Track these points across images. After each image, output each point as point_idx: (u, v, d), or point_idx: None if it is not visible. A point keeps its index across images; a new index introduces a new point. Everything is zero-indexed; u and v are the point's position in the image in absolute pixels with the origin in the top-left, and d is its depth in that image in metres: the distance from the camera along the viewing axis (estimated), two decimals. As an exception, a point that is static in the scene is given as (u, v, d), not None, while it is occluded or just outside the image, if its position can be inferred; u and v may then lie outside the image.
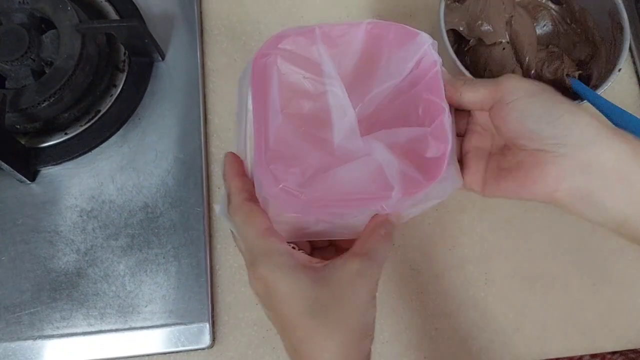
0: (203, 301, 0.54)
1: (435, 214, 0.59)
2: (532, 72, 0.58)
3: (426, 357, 0.56)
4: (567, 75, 0.57)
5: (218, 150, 0.60)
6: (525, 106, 0.37)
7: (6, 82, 0.55)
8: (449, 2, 0.57)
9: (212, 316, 0.55)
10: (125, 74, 0.60)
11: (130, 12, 0.61)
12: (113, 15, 0.61)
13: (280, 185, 0.36)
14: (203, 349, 0.54)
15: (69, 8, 0.56)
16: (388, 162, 0.37)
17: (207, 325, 0.53)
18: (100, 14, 0.61)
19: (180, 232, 0.56)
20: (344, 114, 0.39)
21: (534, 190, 0.37)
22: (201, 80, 0.61)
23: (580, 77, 0.57)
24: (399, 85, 0.41)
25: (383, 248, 0.37)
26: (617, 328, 0.57)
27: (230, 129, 0.61)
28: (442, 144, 0.38)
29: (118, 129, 0.59)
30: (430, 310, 0.57)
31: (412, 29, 0.40)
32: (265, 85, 0.39)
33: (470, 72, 0.53)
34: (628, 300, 0.58)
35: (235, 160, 0.41)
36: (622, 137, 0.36)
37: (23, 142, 0.57)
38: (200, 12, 0.64)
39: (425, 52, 0.40)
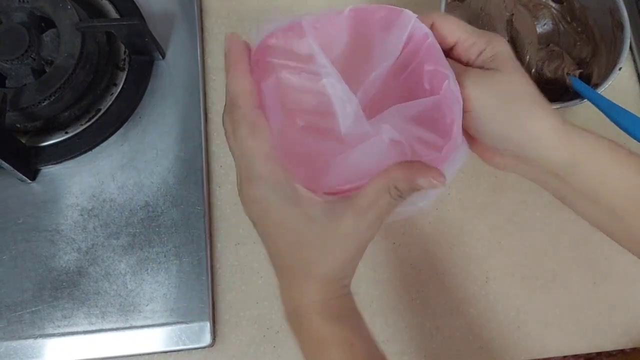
0: (204, 300, 0.54)
1: (436, 212, 0.59)
2: (533, 70, 0.58)
3: (426, 356, 0.56)
4: (568, 74, 0.57)
5: (219, 149, 0.60)
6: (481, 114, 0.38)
7: (6, 81, 0.55)
8: (449, 0, 0.57)
9: (213, 315, 0.55)
10: (126, 72, 0.60)
11: (130, 10, 0.61)
12: (113, 13, 0.61)
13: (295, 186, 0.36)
14: (204, 347, 0.54)
15: (69, 7, 0.55)
16: (399, 136, 0.37)
17: (208, 324, 0.54)
18: (100, 13, 0.61)
19: (181, 231, 0.56)
20: (346, 102, 0.39)
21: (489, 162, 0.42)
22: (202, 79, 0.61)
23: (580, 76, 0.57)
24: (396, 64, 0.41)
25: (387, 209, 0.35)
26: (617, 326, 0.57)
27: (231, 128, 0.61)
28: (451, 107, 0.38)
29: (119, 128, 0.58)
30: (431, 309, 0.57)
31: (393, 7, 0.40)
32: (261, 87, 0.39)
33: None
34: (629, 298, 0.58)
35: (243, 50, 0.35)
36: (567, 138, 0.38)
37: (23, 141, 0.57)
38: (201, 10, 0.64)
39: (414, 26, 0.40)
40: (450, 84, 0.38)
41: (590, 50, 0.59)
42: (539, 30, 0.61)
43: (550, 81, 0.58)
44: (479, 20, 0.59)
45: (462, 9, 0.59)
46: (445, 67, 0.39)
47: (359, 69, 0.41)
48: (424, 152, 0.37)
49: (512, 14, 0.59)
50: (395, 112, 0.39)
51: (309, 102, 0.41)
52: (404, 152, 0.37)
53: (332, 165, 0.37)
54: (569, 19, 0.61)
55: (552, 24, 0.62)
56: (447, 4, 0.56)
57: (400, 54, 0.40)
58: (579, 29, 0.60)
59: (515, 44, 0.59)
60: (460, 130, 0.38)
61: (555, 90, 0.58)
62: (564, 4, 0.61)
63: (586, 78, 0.57)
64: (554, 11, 0.62)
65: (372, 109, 0.41)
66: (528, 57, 0.58)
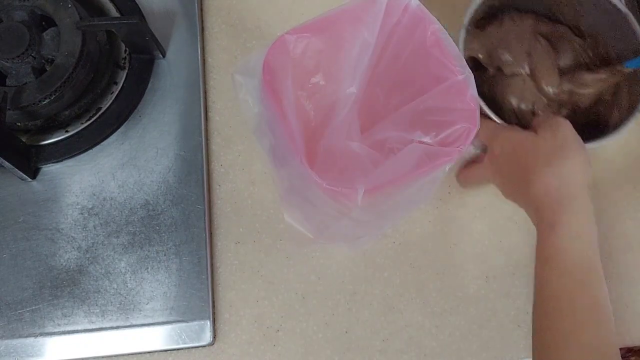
0: (204, 298, 0.54)
1: (436, 211, 0.59)
2: (556, 100, 0.57)
3: (426, 355, 0.56)
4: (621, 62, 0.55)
5: (219, 148, 0.60)
6: None
7: (7, 80, 0.55)
8: (470, 28, 0.56)
9: (213, 313, 0.55)
10: (126, 71, 0.60)
11: (130, 9, 0.61)
12: (114, 12, 0.61)
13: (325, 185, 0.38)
14: (204, 346, 0.54)
15: (69, 5, 0.56)
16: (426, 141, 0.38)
17: (208, 323, 0.54)
18: (100, 11, 0.61)
19: (181, 230, 0.56)
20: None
21: None
22: (202, 78, 0.61)
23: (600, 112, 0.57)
24: (381, 38, 0.41)
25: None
26: (618, 325, 0.57)
27: (231, 126, 0.61)
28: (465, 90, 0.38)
29: (119, 127, 0.59)
30: (430, 308, 0.57)
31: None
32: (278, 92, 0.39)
33: (487, 102, 0.53)
34: (630, 297, 0.58)
35: None
36: None
37: (24, 140, 0.57)
38: (201, 9, 0.64)
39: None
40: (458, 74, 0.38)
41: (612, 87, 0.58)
42: (561, 63, 0.58)
43: (590, 111, 0.57)
44: (498, 50, 0.58)
45: (483, 37, 0.58)
46: (449, 57, 0.39)
47: (350, 62, 0.42)
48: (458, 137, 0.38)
49: (532, 46, 0.57)
50: (407, 112, 0.40)
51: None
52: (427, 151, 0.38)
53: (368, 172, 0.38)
54: (591, 54, 0.59)
55: (574, 57, 0.59)
56: (467, 32, 0.54)
57: (387, 29, 0.40)
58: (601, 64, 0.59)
59: (534, 76, 0.57)
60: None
61: (595, 122, 0.57)
62: (587, 39, 0.59)
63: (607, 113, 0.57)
64: (577, 45, 0.59)
65: (377, 87, 0.41)
66: (550, 89, 0.57)
